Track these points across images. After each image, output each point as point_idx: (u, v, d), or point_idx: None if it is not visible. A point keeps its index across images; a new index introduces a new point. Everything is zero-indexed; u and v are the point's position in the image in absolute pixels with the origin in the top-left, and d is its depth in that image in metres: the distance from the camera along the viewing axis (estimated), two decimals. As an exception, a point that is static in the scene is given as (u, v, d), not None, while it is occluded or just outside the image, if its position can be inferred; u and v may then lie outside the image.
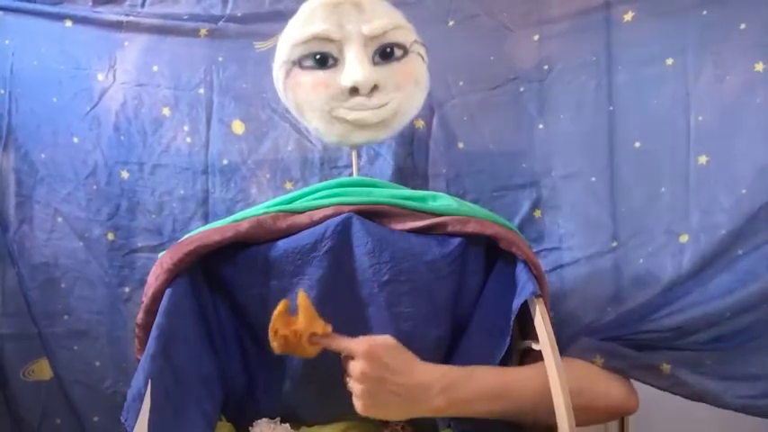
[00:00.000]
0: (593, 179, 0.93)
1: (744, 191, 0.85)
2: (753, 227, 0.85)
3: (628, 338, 0.87)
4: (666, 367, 0.84)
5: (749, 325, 0.85)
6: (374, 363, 0.67)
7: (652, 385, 0.86)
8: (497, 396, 0.73)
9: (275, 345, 0.68)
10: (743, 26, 0.86)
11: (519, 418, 0.76)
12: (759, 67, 0.85)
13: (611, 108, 0.93)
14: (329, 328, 0.69)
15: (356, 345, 0.68)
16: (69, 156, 1.04)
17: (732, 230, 0.85)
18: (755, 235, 0.85)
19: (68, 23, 1.04)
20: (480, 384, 0.73)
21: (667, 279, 0.88)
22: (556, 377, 0.72)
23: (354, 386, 0.68)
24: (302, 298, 0.68)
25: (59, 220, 1.04)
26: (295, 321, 0.68)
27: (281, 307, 0.68)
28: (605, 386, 0.83)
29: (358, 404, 0.69)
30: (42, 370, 1.05)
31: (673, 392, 0.86)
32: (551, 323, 0.74)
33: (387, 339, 0.70)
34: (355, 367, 0.68)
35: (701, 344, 0.86)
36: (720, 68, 0.87)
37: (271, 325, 0.68)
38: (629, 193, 0.91)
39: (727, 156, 0.86)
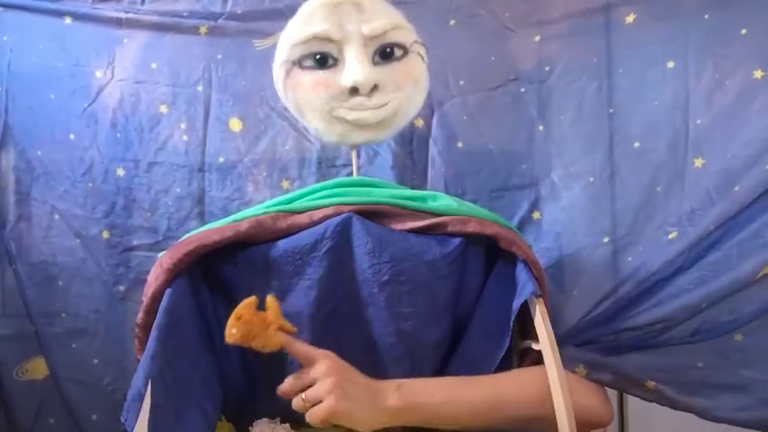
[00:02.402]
0: (591, 179, 0.93)
1: (737, 188, 0.85)
2: (738, 221, 0.85)
3: (608, 340, 0.87)
4: (651, 384, 0.85)
5: (728, 317, 0.85)
6: (336, 361, 0.71)
7: (638, 397, 0.86)
8: (456, 401, 0.74)
9: (233, 331, 0.67)
10: (744, 31, 0.86)
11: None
12: (758, 74, 0.85)
13: (612, 110, 0.93)
14: (295, 329, 0.72)
15: (314, 348, 0.71)
16: (66, 153, 1.04)
17: (720, 228, 0.86)
18: (740, 227, 0.85)
19: (68, 20, 1.04)
20: (437, 387, 0.74)
21: (655, 273, 0.87)
22: (556, 377, 0.73)
23: (322, 384, 0.68)
24: (271, 301, 0.70)
25: (56, 217, 1.04)
26: (263, 314, 0.69)
27: (251, 299, 0.68)
28: (581, 398, 0.79)
29: (330, 399, 0.67)
30: (36, 369, 1.04)
31: (660, 404, 0.86)
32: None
33: None
34: (320, 365, 0.69)
35: (681, 338, 0.86)
36: (720, 73, 0.87)
37: (235, 311, 0.67)
38: (626, 194, 0.91)
39: (723, 161, 0.86)
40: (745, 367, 0.85)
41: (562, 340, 0.84)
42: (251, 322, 0.67)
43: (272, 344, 0.69)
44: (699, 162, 0.88)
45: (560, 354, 0.81)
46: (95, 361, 1.04)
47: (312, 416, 0.68)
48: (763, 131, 0.84)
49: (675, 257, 0.86)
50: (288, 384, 0.71)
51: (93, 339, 1.04)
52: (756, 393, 0.84)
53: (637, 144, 0.91)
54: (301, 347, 0.71)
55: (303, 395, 0.69)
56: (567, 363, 0.83)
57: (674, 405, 0.86)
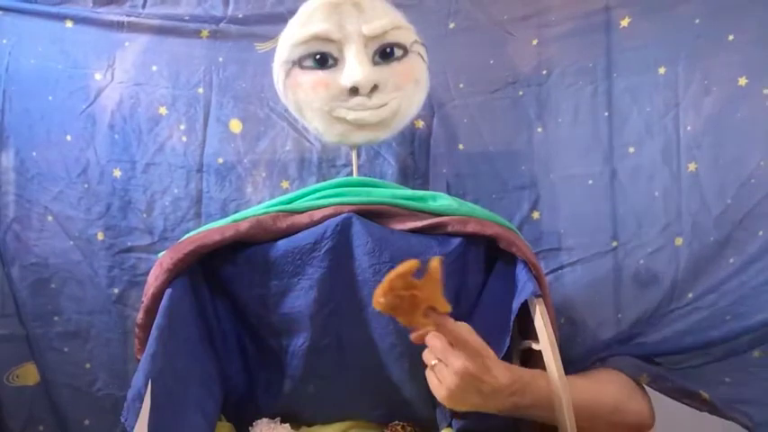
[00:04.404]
0: (591, 182, 0.94)
1: (729, 201, 0.88)
2: (739, 235, 0.88)
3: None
4: (705, 395, 0.86)
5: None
6: (479, 361, 0.67)
7: (690, 407, 0.88)
8: (552, 406, 0.73)
9: (382, 301, 0.61)
10: (731, 37, 0.88)
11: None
12: (742, 81, 0.88)
13: (607, 114, 0.94)
14: (449, 308, 0.64)
15: (467, 336, 0.67)
16: (62, 154, 1.03)
17: (720, 238, 0.88)
18: (744, 243, 0.87)
19: (69, 24, 1.03)
20: (541, 393, 0.72)
21: (668, 281, 0.90)
22: (556, 376, 0.73)
23: (449, 377, 0.67)
24: (435, 268, 0.62)
25: (50, 219, 1.03)
26: (418, 287, 0.61)
27: (410, 264, 0.60)
28: (636, 404, 0.84)
29: (442, 393, 0.67)
30: (27, 375, 1.03)
31: (711, 414, 0.88)
32: (556, 325, 0.75)
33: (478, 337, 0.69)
34: (458, 361, 0.66)
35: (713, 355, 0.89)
36: (708, 80, 0.89)
37: (389, 279, 0.60)
38: (625, 197, 0.93)
39: (714, 165, 0.89)
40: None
41: (594, 351, 0.89)
42: (401, 297, 0.61)
43: (414, 325, 0.65)
44: (692, 166, 0.90)
45: (624, 362, 0.87)
46: (87, 365, 1.03)
47: (432, 384, 0.68)
48: (748, 137, 0.87)
49: (687, 266, 0.89)
50: (431, 340, 0.68)
51: (86, 343, 1.03)
52: None
53: (632, 149, 0.93)
54: (454, 332, 0.66)
55: (435, 362, 0.68)
56: (633, 371, 0.86)
57: (723, 416, 0.87)
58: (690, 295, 0.90)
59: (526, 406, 0.71)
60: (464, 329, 0.68)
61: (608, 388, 0.83)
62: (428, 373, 0.69)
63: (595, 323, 0.93)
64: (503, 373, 0.69)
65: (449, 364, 0.67)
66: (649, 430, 0.86)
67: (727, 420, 0.87)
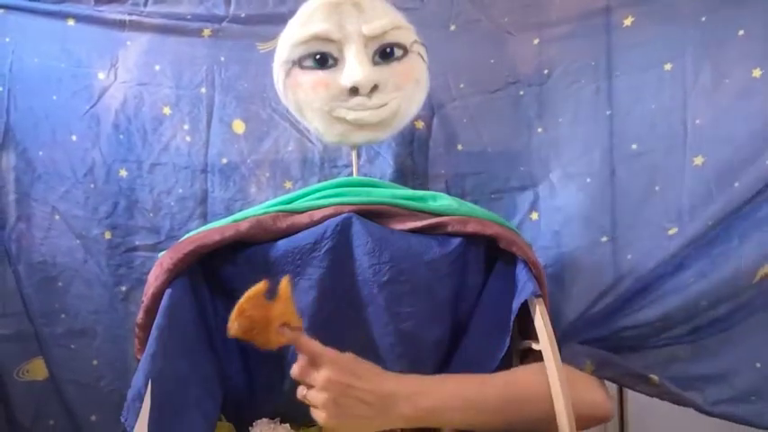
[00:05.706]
0: (588, 180, 0.93)
1: (737, 184, 0.85)
2: (736, 216, 0.85)
3: (611, 339, 0.88)
4: (655, 378, 0.85)
5: (724, 315, 0.85)
6: (341, 368, 0.66)
7: (641, 392, 0.86)
8: (470, 406, 0.72)
9: (235, 325, 0.62)
10: (741, 32, 0.86)
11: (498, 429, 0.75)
12: (756, 72, 0.86)
13: (609, 112, 0.93)
14: (301, 324, 0.67)
15: (322, 349, 0.67)
16: (68, 154, 1.04)
17: (719, 220, 0.86)
18: (741, 220, 0.85)
19: (71, 22, 1.04)
20: (451, 393, 0.72)
21: (656, 268, 0.88)
22: (556, 377, 0.73)
23: (317, 395, 0.66)
24: (285, 286, 0.65)
25: (57, 218, 1.04)
26: (270, 307, 0.64)
27: (259, 287, 0.63)
28: (587, 394, 0.81)
29: (320, 415, 0.66)
30: (37, 370, 1.04)
31: (661, 399, 0.86)
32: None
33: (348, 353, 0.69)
34: (320, 374, 0.66)
35: (679, 337, 0.87)
36: (718, 73, 0.87)
37: (239, 303, 0.62)
38: (624, 195, 0.92)
39: (723, 158, 0.87)
40: (724, 359, 0.86)
41: (564, 338, 0.85)
42: (252, 318, 0.62)
43: (270, 343, 0.65)
44: (699, 160, 0.88)
45: (567, 351, 0.82)
46: (95, 362, 1.04)
47: (314, 415, 0.68)
48: (763, 127, 0.85)
49: (677, 251, 0.86)
50: (297, 371, 0.68)
51: (93, 340, 1.04)
52: (737, 385, 0.85)
53: (634, 146, 0.92)
54: (307, 347, 0.67)
55: (305, 392, 0.68)
56: (575, 359, 0.83)
57: (674, 400, 0.85)
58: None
59: (433, 409, 0.70)
60: (319, 345, 0.67)
61: (540, 379, 0.76)
62: (312, 411, 0.67)
63: (574, 310, 0.91)
64: (386, 378, 0.69)
65: (313, 383, 0.66)
66: (607, 420, 0.84)
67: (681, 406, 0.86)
